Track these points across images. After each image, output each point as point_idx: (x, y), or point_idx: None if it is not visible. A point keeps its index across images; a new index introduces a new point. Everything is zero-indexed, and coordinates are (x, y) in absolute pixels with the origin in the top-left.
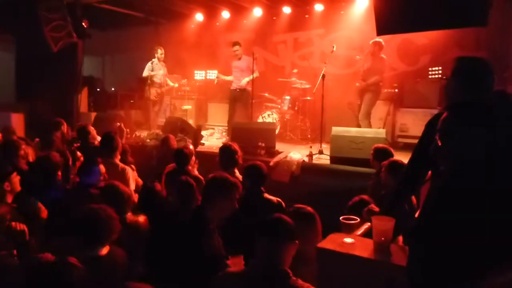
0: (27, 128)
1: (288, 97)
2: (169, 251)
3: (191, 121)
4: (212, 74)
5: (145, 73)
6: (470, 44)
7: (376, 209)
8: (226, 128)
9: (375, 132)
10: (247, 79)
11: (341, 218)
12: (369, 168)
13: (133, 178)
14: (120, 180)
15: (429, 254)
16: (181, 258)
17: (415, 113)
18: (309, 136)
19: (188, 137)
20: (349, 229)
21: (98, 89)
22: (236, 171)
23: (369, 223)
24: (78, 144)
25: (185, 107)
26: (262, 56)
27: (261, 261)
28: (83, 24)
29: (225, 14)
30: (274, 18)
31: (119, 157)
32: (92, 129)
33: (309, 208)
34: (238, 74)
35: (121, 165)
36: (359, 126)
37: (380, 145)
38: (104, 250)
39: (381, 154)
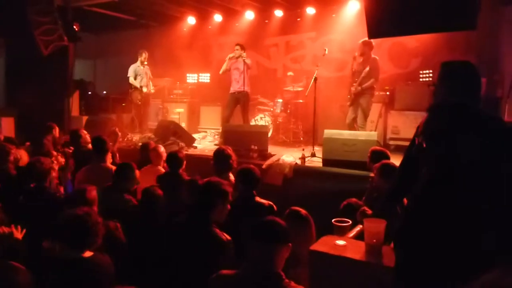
0: (18, 132)
1: (280, 100)
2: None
3: (183, 124)
4: (205, 77)
5: (131, 74)
6: (460, 47)
7: (369, 211)
8: (220, 131)
9: (367, 134)
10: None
11: (333, 220)
12: (361, 170)
13: None
14: None
15: (407, 259)
16: (185, 260)
17: (406, 116)
18: (301, 138)
19: (181, 140)
20: (341, 231)
21: (89, 93)
22: (231, 175)
23: (361, 226)
24: (71, 149)
25: (178, 110)
26: (254, 59)
27: (254, 263)
28: (74, 27)
29: (217, 17)
30: (266, 21)
31: (110, 160)
32: (84, 133)
33: (303, 211)
34: (237, 76)
35: (112, 167)
36: (350, 129)
37: (377, 147)
38: (88, 253)
39: (378, 156)
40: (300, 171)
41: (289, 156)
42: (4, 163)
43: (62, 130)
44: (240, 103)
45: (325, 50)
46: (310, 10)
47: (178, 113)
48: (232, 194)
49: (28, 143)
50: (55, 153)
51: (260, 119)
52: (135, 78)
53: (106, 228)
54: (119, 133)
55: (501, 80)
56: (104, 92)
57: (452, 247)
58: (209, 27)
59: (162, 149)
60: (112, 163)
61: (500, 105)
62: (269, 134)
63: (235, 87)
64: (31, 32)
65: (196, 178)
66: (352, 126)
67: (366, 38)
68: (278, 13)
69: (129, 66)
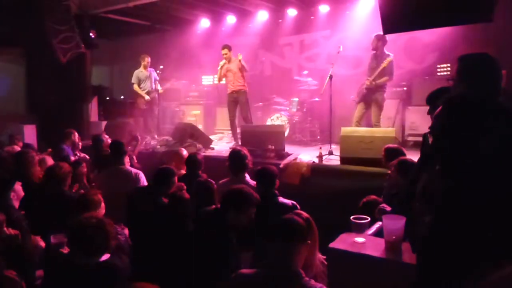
0: (40, 139)
1: (296, 99)
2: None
3: (200, 126)
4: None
5: (134, 81)
6: (478, 40)
7: (388, 208)
8: (230, 133)
9: (384, 131)
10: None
11: (351, 217)
12: (379, 167)
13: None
14: (134, 184)
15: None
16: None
17: (424, 111)
18: (318, 137)
19: (198, 142)
20: (360, 229)
21: (107, 98)
22: (247, 175)
23: (380, 223)
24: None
25: (194, 112)
26: (268, 59)
27: (274, 262)
28: (91, 34)
29: (231, 19)
30: (280, 21)
31: (128, 163)
32: (106, 138)
33: (305, 214)
34: (232, 78)
35: (131, 169)
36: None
37: (391, 145)
38: (104, 257)
39: (393, 154)
40: (318, 170)
41: (306, 155)
42: (27, 170)
43: (81, 136)
44: (238, 102)
45: (340, 47)
46: (324, 8)
47: (194, 115)
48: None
49: (50, 150)
50: (73, 158)
51: (277, 119)
52: (139, 84)
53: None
54: (139, 138)
55: None
56: (122, 97)
57: (476, 245)
58: (223, 28)
59: (184, 152)
60: (130, 166)
61: None
62: (286, 134)
63: (230, 88)
64: (49, 41)
65: (203, 179)
66: (359, 125)
67: (380, 33)
68: (292, 12)
69: None
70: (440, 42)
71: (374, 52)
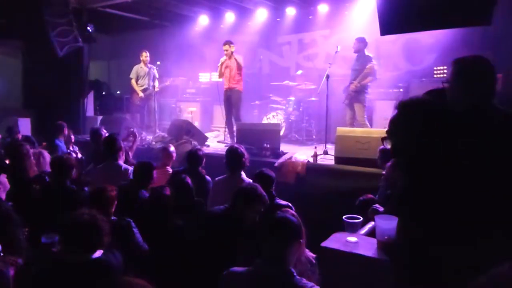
0: (34, 132)
1: (293, 98)
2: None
3: (196, 123)
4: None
5: (132, 76)
6: (476, 43)
7: (381, 208)
8: (225, 130)
9: (381, 132)
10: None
11: (344, 217)
12: (374, 168)
13: None
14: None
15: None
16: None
17: None
18: (314, 137)
19: (194, 139)
20: (353, 228)
21: (104, 93)
22: (243, 173)
23: (373, 222)
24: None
25: (191, 109)
26: (267, 58)
27: (266, 260)
28: (89, 28)
29: (230, 17)
30: (278, 19)
31: (123, 158)
32: (104, 132)
33: (291, 212)
34: (228, 74)
35: (122, 165)
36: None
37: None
38: (97, 253)
39: (387, 155)
40: (313, 169)
41: (301, 154)
42: (20, 163)
43: (77, 130)
44: (231, 100)
45: (337, 47)
46: (323, 8)
47: (191, 112)
48: None
49: (44, 143)
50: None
51: (273, 117)
52: (137, 79)
53: (119, 226)
54: (137, 134)
55: None
56: (118, 92)
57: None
58: (222, 26)
59: (172, 148)
60: (125, 162)
61: None
62: (282, 133)
63: (226, 84)
64: (47, 34)
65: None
66: (352, 126)
67: (361, 36)
68: (290, 11)
69: None
70: (438, 44)
71: (357, 54)
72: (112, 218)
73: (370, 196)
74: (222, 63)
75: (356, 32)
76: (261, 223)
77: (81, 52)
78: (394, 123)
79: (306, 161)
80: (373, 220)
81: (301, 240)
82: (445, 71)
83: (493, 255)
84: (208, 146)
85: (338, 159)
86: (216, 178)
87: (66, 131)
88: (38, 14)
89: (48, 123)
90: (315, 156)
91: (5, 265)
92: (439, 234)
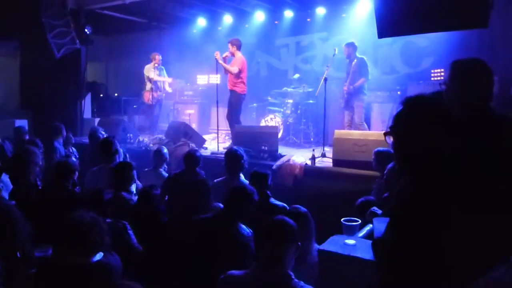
0: (31, 135)
1: (291, 101)
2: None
3: (194, 126)
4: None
5: (151, 74)
6: (473, 45)
7: (379, 211)
8: (223, 132)
9: (378, 134)
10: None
11: (342, 220)
12: (371, 170)
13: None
14: None
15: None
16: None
17: None
18: (312, 139)
19: (191, 142)
20: (351, 231)
21: (101, 95)
22: (241, 175)
23: (371, 225)
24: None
25: (188, 111)
26: (264, 60)
27: (264, 264)
28: (86, 30)
29: (227, 19)
30: (276, 22)
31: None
32: (103, 134)
33: (302, 209)
34: (229, 75)
35: None
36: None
37: (381, 148)
38: (97, 256)
39: (384, 157)
40: (311, 172)
41: (299, 157)
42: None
43: (74, 132)
44: (230, 102)
45: (335, 50)
46: (320, 10)
47: (188, 114)
48: None
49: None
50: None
51: (271, 120)
52: (151, 79)
53: (114, 228)
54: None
55: None
56: (116, 94)
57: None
58: (219, 28)
59: (165, 150)
60: None
61: None
62: (280, 135)
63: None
64: (44, 36)
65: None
66: (350, 129)
67: (349, 40)
68: (288, 13)
69: (140, 68)
70: (435, 47)
71: (348, 59)
72: (107, 220)
73: (370, 198)
74: (225, 58)
75: (353, 34)
76: (258, 226)
77: (79, 54)
78: (397, 118)
79: (304, 163)
80: (372, 222)
81: (299, 244)
82: (443, 74)
83: (488, 258)
84: (206, 148)
85: (336, 162)
86: (215, 180)
87: (64, 133)
88: (35, 15)
89: (45, 124)
90: (313, 158)
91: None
92: (434, 232)
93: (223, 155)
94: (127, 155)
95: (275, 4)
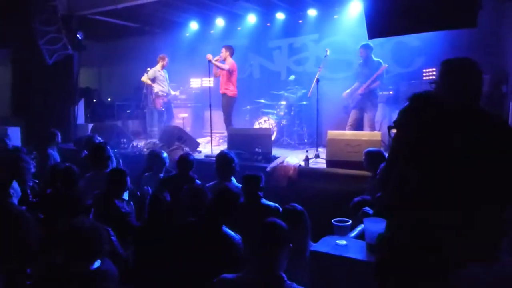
0: (24, 142)
1: (284, 103)
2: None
3: (188, 129)
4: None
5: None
6: (464, 45)
7: (371, 210)
8: (225, 135)
9: (370, 135)
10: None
11: (333, 220)
12: (365, 171)
13: None
14: None
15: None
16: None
17: None
18: (305, 140)
19: (185, 145)
20: (342, 232)
21: (94, 100)
22: (233, 179)
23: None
24: None
25: (182, 115)
26: (257, 62)
27: (256, 266)
28: (78, 36)
29: (220, 22)
30: (268, 24)
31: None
32: (99, 140)
33: (298, 207)
34: (220, 78)
35: None
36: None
37: (372, 149)
38: (96, 264)
39: (373, 158)
40: (305, 173)
41: (293, 158)
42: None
43: (67, 138)
44: (222, 105)
45: (327, 51)
46: (312, 12)
47: (182, 118)
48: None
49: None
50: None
51: (264, 122)
52: (154, 82)
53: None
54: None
55: (505, 76)
56: (109, 99)
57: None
58: (212, 31)
59: (164, 154)
60: None
61: (504, 101)
62: (273, 137)
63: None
64: (36, 42)
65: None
66: (352, 129)
67: (364, 42)
68: (280, 15)
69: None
70: (426, 46)
71: (364, 60)
72: None
73: (366, 197)
74: (217, 60)
75: (345, 36)
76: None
77: (71, 60)
78: (402, 113)
79: (298, 165)
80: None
81: (290, 245)
82: (434, 73)
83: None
84: (200, 152)
85: (329, 163)
86: (207, 185)
87: (59, 139)
88: (27, 22)
89: (38, 131)
90: (306, 159)
91: None
92: (430, 226)
93: None
94: (120, 160)
95: (267, 7)
